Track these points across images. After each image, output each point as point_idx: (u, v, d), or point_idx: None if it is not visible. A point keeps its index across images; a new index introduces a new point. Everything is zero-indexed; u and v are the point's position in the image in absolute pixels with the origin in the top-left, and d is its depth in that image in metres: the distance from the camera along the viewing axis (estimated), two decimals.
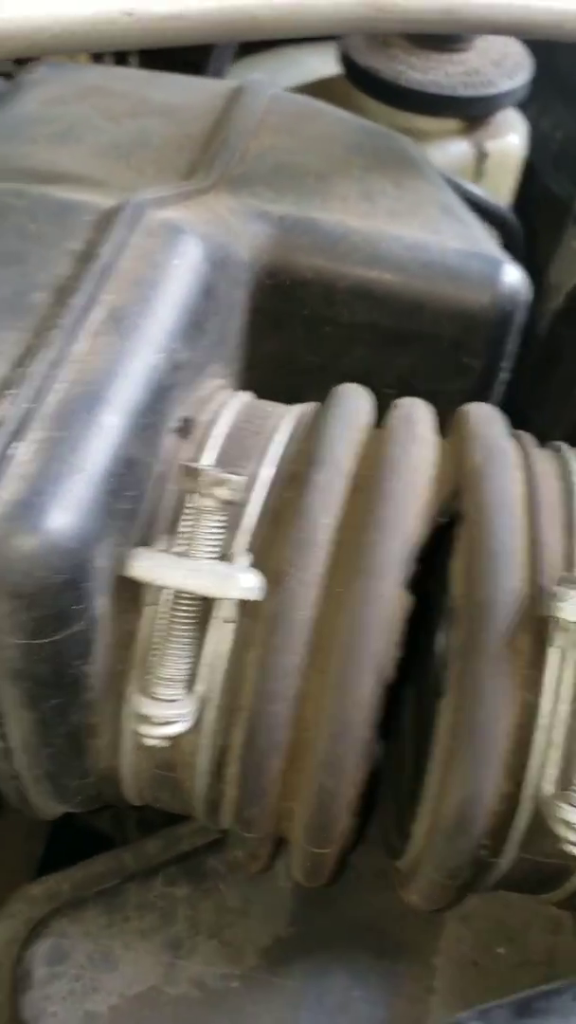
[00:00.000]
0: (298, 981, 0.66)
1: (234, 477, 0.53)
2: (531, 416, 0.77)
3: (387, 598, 0.54)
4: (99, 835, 1.14)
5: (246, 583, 0.53)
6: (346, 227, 0.69)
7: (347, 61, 0.97)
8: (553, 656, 0.52)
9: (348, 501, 0.57)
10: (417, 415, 0.61)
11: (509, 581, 0.53)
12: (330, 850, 0.57)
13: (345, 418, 0.59)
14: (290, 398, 0.66)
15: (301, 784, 0.55)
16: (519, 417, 0.66)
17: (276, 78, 0.95)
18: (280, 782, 0.56)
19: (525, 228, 1.00)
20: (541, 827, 0.53)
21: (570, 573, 0.53)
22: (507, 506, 0.55)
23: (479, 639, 0.52)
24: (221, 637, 0.55)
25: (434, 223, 0.70)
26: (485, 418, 0.61)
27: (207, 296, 0.61)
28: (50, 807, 0.62)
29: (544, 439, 0.64)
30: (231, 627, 0.55)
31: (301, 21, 0.62)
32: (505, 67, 0.98)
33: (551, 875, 0.57)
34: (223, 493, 0.53)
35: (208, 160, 0.72)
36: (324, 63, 1.10)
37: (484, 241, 0.71)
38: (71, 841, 1.08)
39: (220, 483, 0.53)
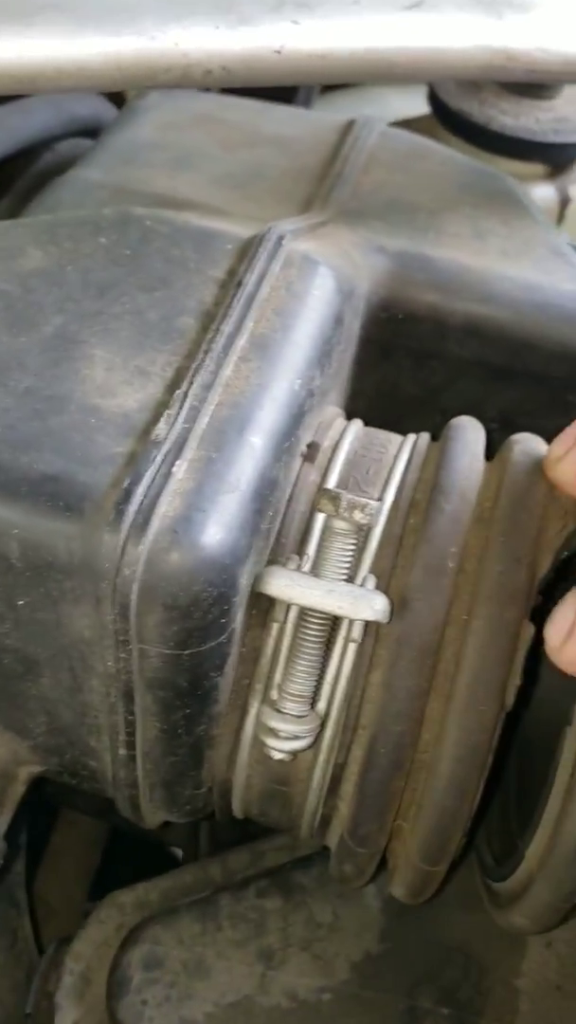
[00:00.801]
0: (389, 996, 0.67)
1: (372, 502, 0.55)
2: None
3: (513, 628, 0.55)
4: (152, 848, 1.15)
5: (379, 605, 0.55)
6: (459, 265, 0.71)
7: (437, 103, 0.99)
8: None
9: (470, 531, 0.58)
10: (538, 450, 0.63)
11: None
12: (441, 868, 0.59)
13: (469, 449, 0.61)
14: (386, 428, 0.68)
15: (418, 803, 0.57)
16: None
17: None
18: (398, 800, 0.58)
19: None
20: None
21: None
22: None
23: None
24: (345, 657, 0.57)
25: (544, 264, 0.72)
26: None
27: (338, 326, 0.63)
28: (157, 816, 0.64)
29: None
30: (354, 647, 0.57)
31: (434, 66, 0.64)
32: None
33: None
34: (359, 517, 0.55)
35: (324, 193, 0.75)
36: (405, 101, 1.13)
37: None
38: (124, 854, 1.10)
39: (358, 507, 0.54)
